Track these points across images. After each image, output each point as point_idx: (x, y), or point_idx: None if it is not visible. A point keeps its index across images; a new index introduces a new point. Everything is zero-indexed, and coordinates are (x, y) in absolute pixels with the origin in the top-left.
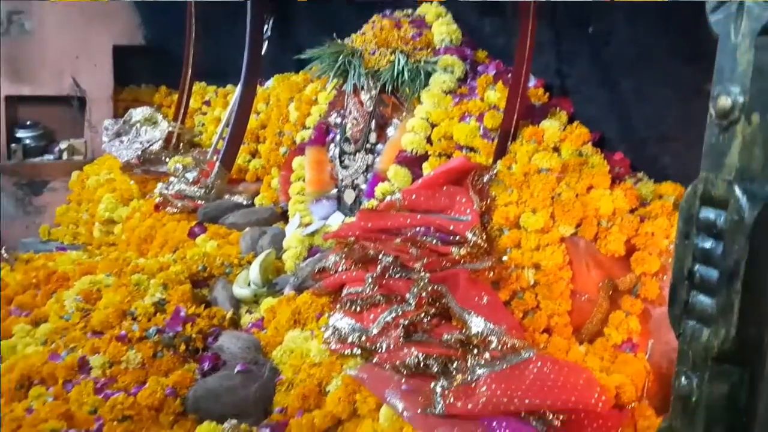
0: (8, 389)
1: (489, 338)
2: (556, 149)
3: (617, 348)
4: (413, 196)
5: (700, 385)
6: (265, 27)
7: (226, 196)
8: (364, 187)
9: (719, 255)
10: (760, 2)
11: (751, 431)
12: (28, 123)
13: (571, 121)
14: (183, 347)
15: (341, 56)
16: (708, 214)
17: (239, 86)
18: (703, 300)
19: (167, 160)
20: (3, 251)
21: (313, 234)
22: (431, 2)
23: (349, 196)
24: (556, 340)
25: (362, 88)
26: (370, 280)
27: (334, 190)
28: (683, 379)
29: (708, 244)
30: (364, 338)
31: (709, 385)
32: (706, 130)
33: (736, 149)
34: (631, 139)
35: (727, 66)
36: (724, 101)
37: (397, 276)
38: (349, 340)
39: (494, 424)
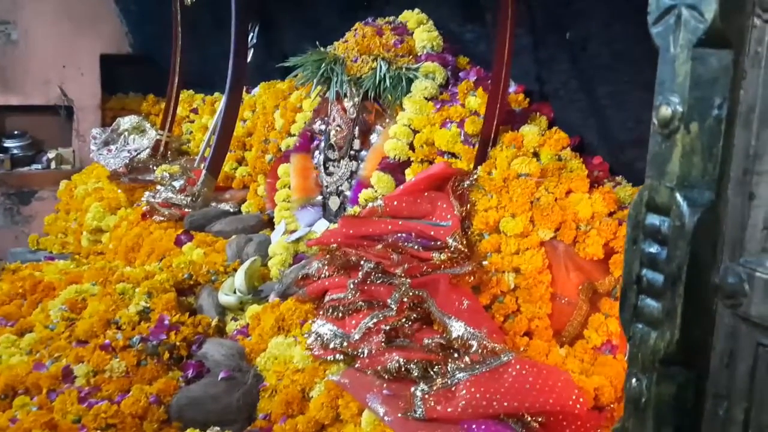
0: None
1: (469, 342)
2: (536, 154)
3: (597, 350)
4: (395, 203)
5: (649, 386)
6: (251, 35)
7: (213, 204)
8: (348, 193)
9: (664, 260)
10: (696, 16)
11: (698, 430)
12: (16, 133)
13: (551, 125)
14: (167, 355)
15: (324, 64)
16: (653, 220)
17: (225, 94)
18: (651, 304)
19: (155, 168)
20: None
21: (298, 241)
22: (413, 9)
23: (334, 203)
24: (536, 343)
25: (345, 95)
26: (352, 286)
27: (320, 197)
28: (634, 381)
29: (654, 249)
30: (346, 344)
31: (658, 387)
32: (650, 139)
33: (677, 157)
34: (610, 143)
35: (668, 76)
36: (665, 111)
37: (379, 282)
38: (332, 346)
39: (474, 427)
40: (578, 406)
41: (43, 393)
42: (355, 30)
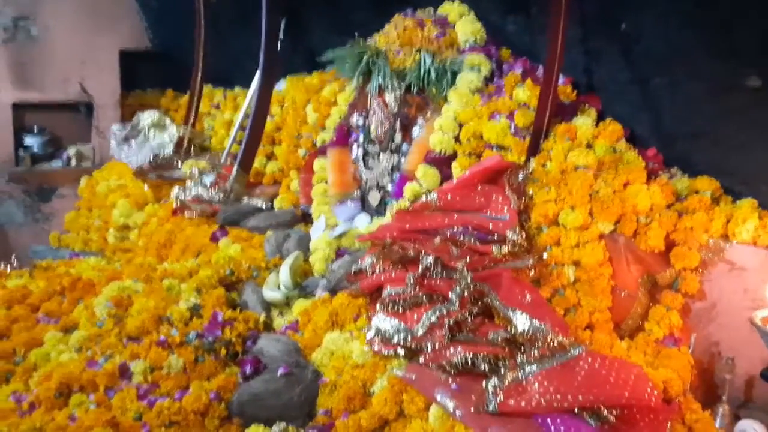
0: (47, 397)
1: (535, 336)
2: (589, 146)
3: (659, 343)
4: (449, 196)
5: None
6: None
7: (245, 200)
8: (389, 187)
9: None
10: None
11: None
12: (36, 129)
13: (599, 117)
14: (224, 351)
15: (365, 57)
16: None
17: (256, 88)
18: None
19: (179, 164)
20: (13, 259)
21: (340, 236)
22: (453, 1)
23: (374, 198)
24: (599, 336)
25: (387, 88)
26: (411, 280)
27: (358, 192)
28: None
29: None
30: (410, 338)
31: None
32: None
33: None
34: (664, 134)
35: None
36: None
37: (438, 276)
38: (394, 340)
39: (548, 421)
40: (653, 399)
41: (101, 390)
42: (395, 22)
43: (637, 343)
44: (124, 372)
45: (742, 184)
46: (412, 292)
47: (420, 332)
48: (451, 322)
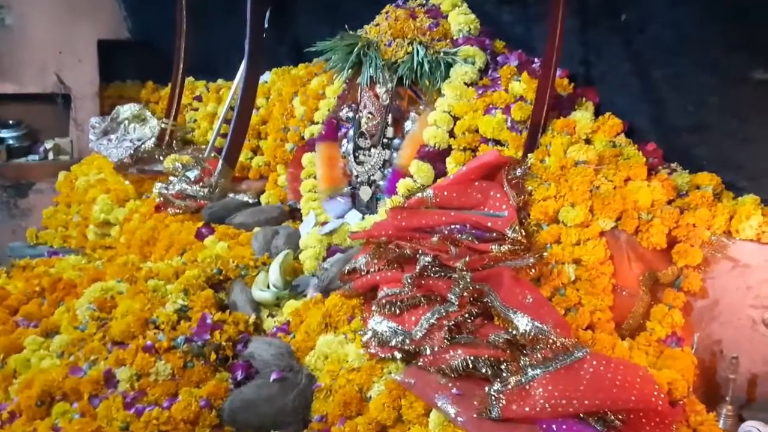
0: (28, 406)
1: (537, 337)
2: (588, 141)
3: (661, 342)
4: (445, 193)
5: None
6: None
7: (230, 195)
8: (381, 183)
9: None
10: None
11: None
12: (11, 122)
13: (596, 111)
14: (214, 356)
15: (356, 48)
16: None
17: (240, 80)
18: None
19: (161, 158)
20: None
21: (331, 233)
22: None
23: (365, 193)
24: (601, 337)
25: (378, 80)
26: (408, 280)
27: (348, 187)
28: None
29: None
30: (408, 341)
31: None
32: None
33: None
34: (664, 128)
35: None
36: None
37: (437, 276)
38: (392, 343)
39: (554, 426)
40: (660, 402)
41: (85, 399)
42: (386, 13)
43: (639, 343)
44: (110, 379)
45: (747, 180)
46: (410, 292)
47: (418, 335)
48: (451, 323)
